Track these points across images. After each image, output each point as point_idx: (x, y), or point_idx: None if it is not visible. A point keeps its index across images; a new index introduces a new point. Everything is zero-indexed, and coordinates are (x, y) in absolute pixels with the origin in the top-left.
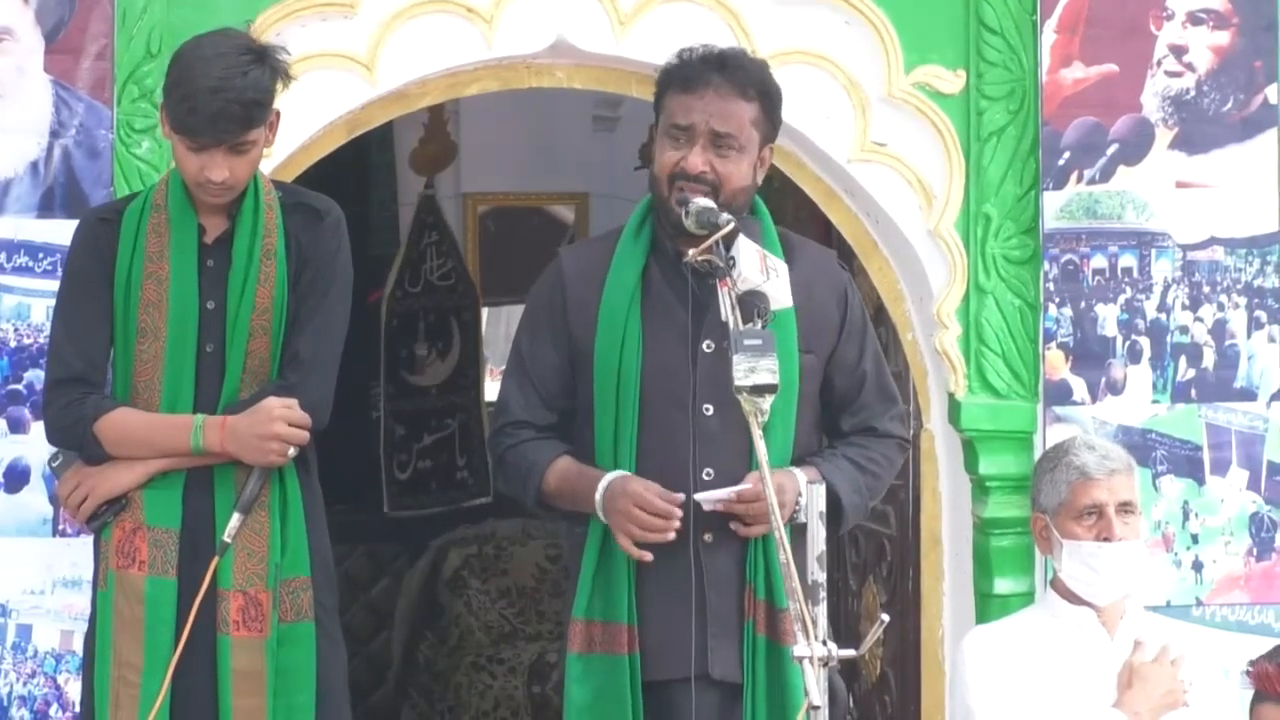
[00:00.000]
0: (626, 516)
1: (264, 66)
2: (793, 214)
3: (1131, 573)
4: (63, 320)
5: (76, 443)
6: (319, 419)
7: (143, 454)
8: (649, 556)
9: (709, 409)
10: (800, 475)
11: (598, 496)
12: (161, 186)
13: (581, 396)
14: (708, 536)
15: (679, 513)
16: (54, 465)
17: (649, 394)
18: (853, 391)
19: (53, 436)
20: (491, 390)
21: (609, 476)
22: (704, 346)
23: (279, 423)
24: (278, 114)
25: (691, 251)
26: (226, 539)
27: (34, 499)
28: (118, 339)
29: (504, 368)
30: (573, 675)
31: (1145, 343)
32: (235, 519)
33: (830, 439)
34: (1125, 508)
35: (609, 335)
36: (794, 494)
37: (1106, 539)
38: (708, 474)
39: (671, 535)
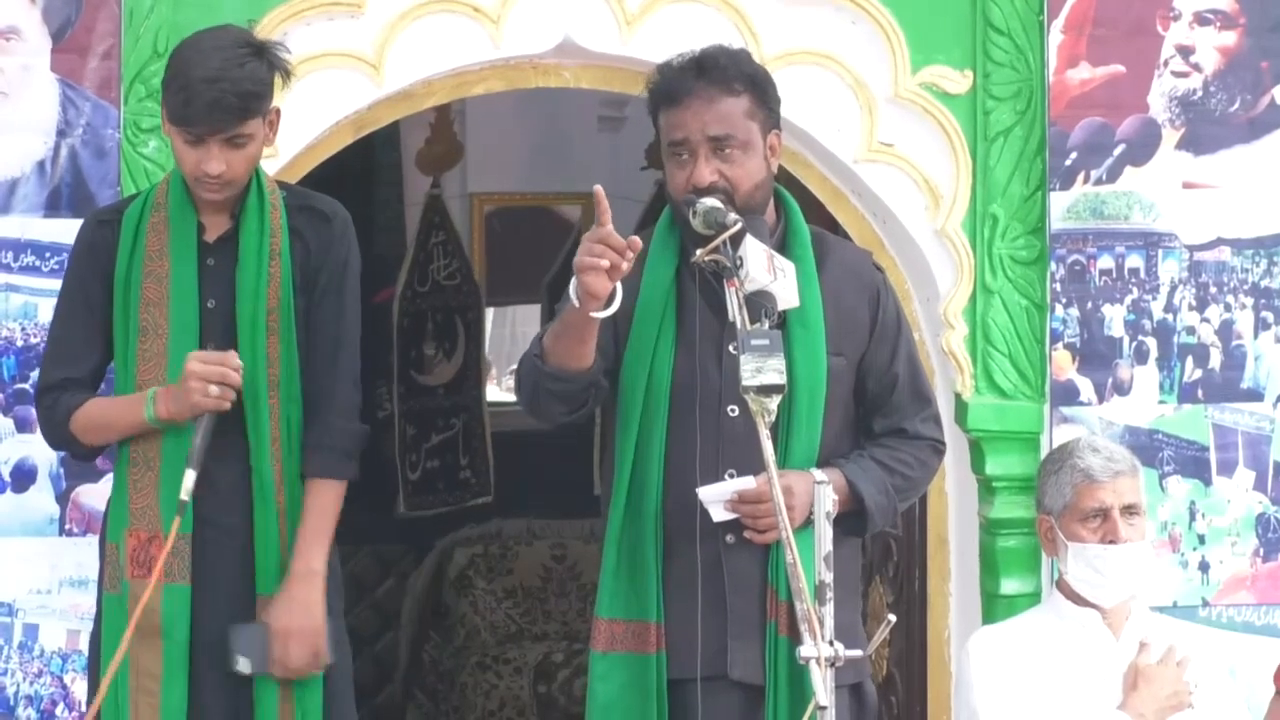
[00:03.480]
0: (578, 262)
1: (262, 60)
2: None
3: (1137, 574)
4: (54, 328)
5: (64, 445)
6: (360, 425)
7: (110, 436)
8: (635, 246)
9: (734, 410)
10: (818, 476)
11: (570, 289)
12: (163, 186)
13: (611, 394)
14: (729, 538)
15: (618, 240)
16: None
17: (676, 396)
18: (885, 393)
19: (48, 440)
20: (493, 392)
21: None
22: (730, 349)
23: (192, 362)
24: (278, 112)
25: (699, 251)
26: (184, 497)
27: (41, 498)
28: (118, 338)
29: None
30: (596, 674)
31: (1152, 343)
32: (189, 475)
33: (863, 441)
34: (1130, 510)
35: (642, 338)
36: (805, 495)
37: (1112, 541)
38: (730, 474)
39: (606, 263)
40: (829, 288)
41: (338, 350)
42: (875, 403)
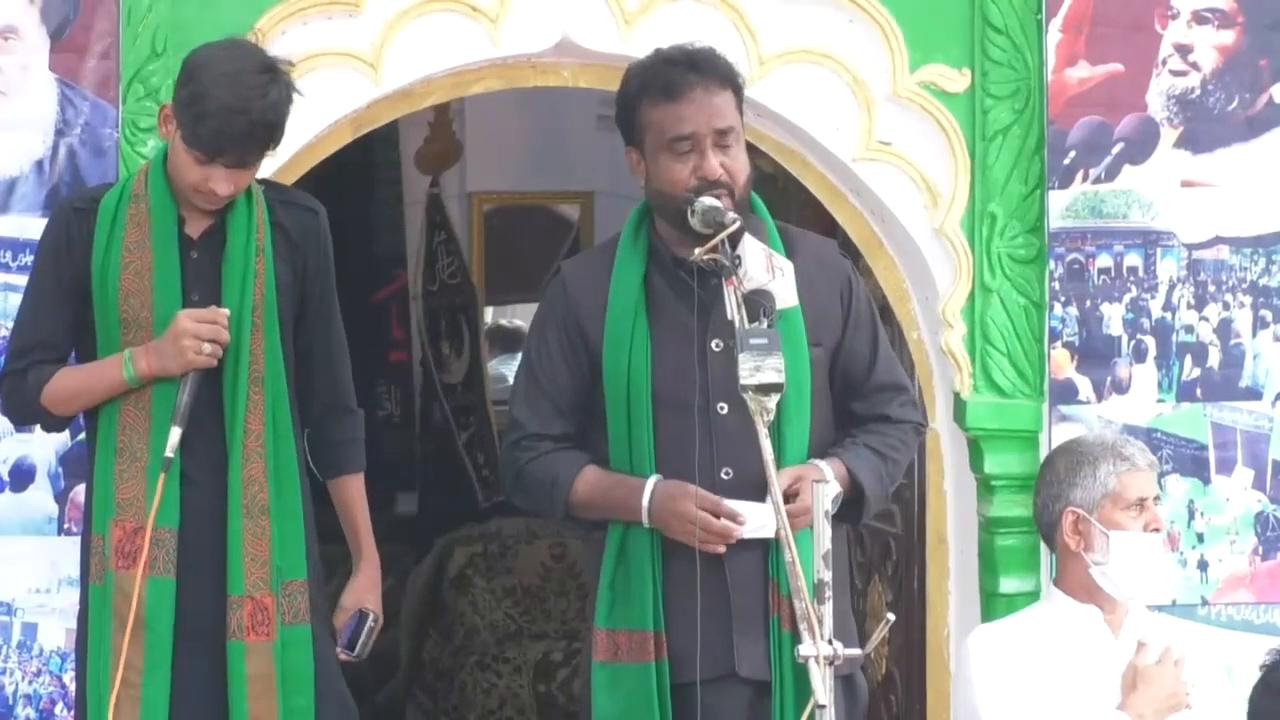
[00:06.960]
0: (687, 518)
1: (280, 85)
2: (797, 213)
3: (1166, 566)
4: (23, 312)
5: (33, 418)
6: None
7: (85, 403)
8: (722, 549)
9: (723, 407)
10: (825, 468)
11: (644, 502)
12: (140, 176)
13: (596, 405)
14: None
15: (741, 522)
16: None
17: (660, 397)
18: (863, 379)
19: (11, 418)
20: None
21: (653, 481)
22: (713, 345)
23: (185, 320)
24: None
25: (698, 250)
26: (168, 454)
27: (39, 497)
28: (99, 328)
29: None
30: (599, 684)
31: (1150, 342)
32: (174, 433)
33: (845, 427)
34: (1156, 501)
35: (616, 341)
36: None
37: (1156, 530)
38: (726, 473)
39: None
40: (802, 279)
41: (342, 348)
42: (855, 388)
